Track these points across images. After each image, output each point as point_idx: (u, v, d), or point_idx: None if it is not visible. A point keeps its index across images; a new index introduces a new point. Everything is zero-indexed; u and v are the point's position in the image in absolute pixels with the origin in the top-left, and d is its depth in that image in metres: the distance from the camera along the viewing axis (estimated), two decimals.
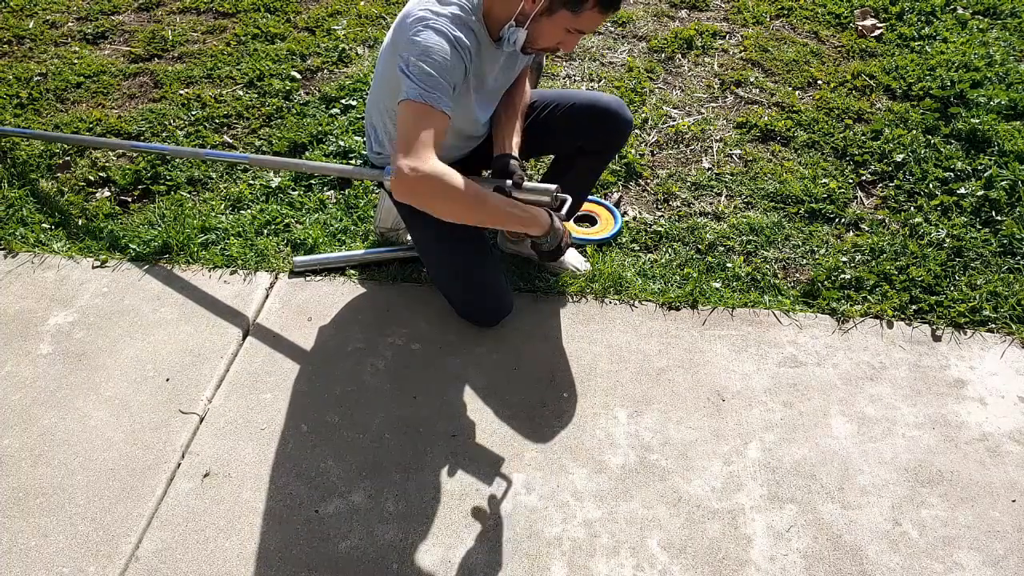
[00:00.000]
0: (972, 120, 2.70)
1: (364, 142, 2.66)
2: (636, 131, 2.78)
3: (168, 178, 2.56)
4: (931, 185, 2.51)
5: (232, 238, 2.33)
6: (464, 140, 1.94)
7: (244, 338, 2.06)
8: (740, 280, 2.22)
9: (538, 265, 2.25)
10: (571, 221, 2.36)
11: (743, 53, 3.19)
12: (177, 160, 2.62)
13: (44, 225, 2.40)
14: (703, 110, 2.90)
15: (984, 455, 1.80)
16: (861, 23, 3.32)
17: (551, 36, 1.64)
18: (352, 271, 2.24)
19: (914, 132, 2.72)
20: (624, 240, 2.35)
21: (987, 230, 2.36)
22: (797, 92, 2.97)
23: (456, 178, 1.55)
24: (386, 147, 1.94)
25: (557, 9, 1.58)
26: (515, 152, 1.85)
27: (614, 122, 1.97)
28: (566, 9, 1.57)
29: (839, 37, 3.28)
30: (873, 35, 3.26)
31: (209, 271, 2.24)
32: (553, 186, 1.79)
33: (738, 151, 2.70)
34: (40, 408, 1.88)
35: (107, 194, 2.53)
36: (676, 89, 3.02)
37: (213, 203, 2.47)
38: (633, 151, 2.67)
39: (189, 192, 2.52)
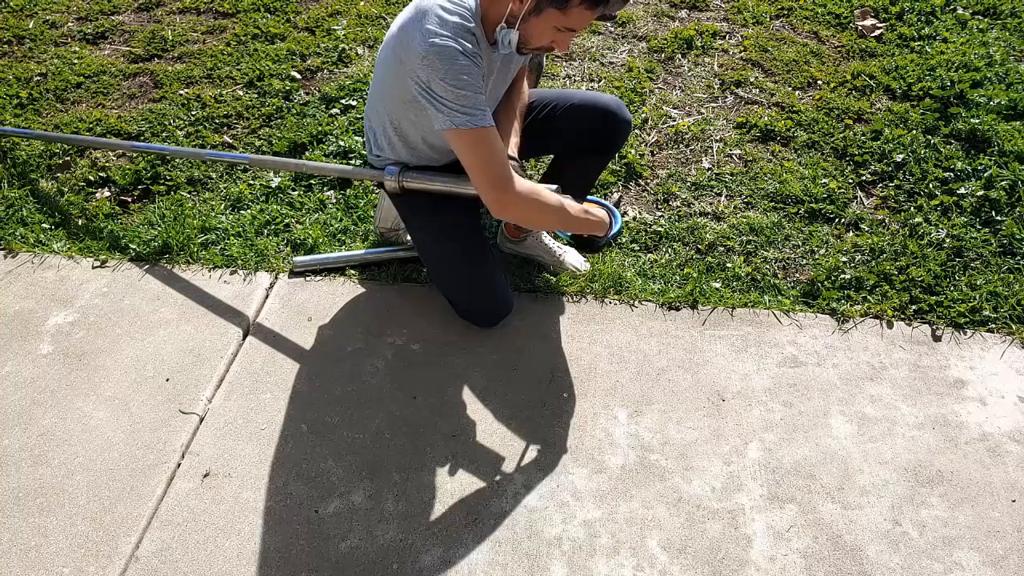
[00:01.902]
0: (972, 120, 2.70)
1: (364, 143, 2.66)
2: (636, 131, 2.77)
3: (168, 178, 2.56)
4: (931, 185, 2.51)
5: (232, 238, 2.33)
6: None
7: (244, 338, 2.06)
8: (740, 280, 2.22)
9: (538, 265, 2.25)
10: None
11: (743, 53, 3.19)
12: (177, 160, 2.62)
13: (44, 225, 2.40)
14: (703, 110, 2.90)
15: (984, 455, 1.80)
16: (861, 23, 3.32)
17: (542, 35, 1.63)
18: (352, 271, 2.24)
19: (914, 132, 2.72)
20: (624, 240, 2.35)
21: (987, 230, 2.36)
22: (797, 92, 2.97)
23: (539, 198, 1.72)
24: (385, 150, 1.94)
25: (544, 8, 1.57)
26: (514, 153, 1.85)
27: (613, 122, 1.97)
28: (553, 7, 1.56)
29: (839, 37, 3.28)
30: (873, 35, 3.26)
31: (209, 271, 2.24)
32: (553, 187, 1.79)
33: (738, 151, 2.70)
34: (40, 408, 1.88)
35: (107, 194, 2.53)
36: (676, 89, 3.02)
37: (213, 203, 2.47)
38: (633, 151, 2.67)
39: (189, 192, 2.52)
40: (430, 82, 1.59)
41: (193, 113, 2.83)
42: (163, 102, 2.91)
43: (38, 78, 3.03)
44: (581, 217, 1.85)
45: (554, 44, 1.66)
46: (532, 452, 1.80)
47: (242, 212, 2.44)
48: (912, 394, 1.93)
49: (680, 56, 3.18)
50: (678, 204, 2.49)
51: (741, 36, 3.30)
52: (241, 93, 2.95)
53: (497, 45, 1.68)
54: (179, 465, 1.77)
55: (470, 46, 1.61)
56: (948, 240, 2.32)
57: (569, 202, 1.82)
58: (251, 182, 2.54)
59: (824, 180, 2.55)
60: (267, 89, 2.95)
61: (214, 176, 2.58)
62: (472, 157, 1.64)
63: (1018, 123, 2.72)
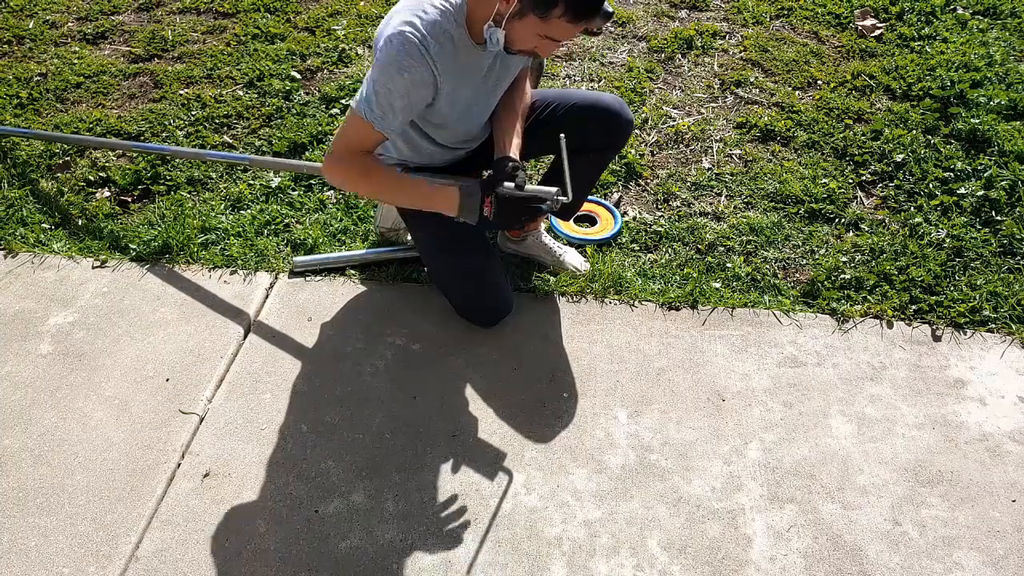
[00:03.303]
0: (972, 120, 2.70)
1: None
2: (636, 131, 2.77)
3: (168, 178, 2.56)
4: (931, 185, 2.51)
5: (232, 238, 2.33)
6: (457, 143, 1.94)
7: (244, 338, 2.06)
8: (740, 280, 2.22)
9: (538, 265, 2.25)
10: (571, 221, 2.36)
11: (743, 53, 3.19)
12: (177, 160, 2.62)
13: (44, 225, 2.40)
14: (703, 110, 2.90)
15: (984, 455, 1.80)
16: (861, 23, 3.32)
17: (525, 40, 1.61)
18: (352, 271, 2.24)
19: (914, 132, 2.72)
20: (624, 240, 2.35)
21: (987, 230, 2.36)
22: (797, 92, 2.97)
23: (364, 177, 1.76)
24: (388, 148, 1.94)
25: (527, 12, 1.55)
26: (515, 153, 1.84)
27: (615, 122, 1.96)
28: (534, 14, 1.54)
29: (839, 37, 3.28)
30: (873, 35, 3.26)
31: (209, 271, 2.24)
32: (554, 189, 1.78)
33: (738, 151, 2.70)
34: (40, 408, 1.88)
35: (107, 194, 2.53)
36: (676, 89, 3.02)
37: (213, 203, 2.47)
38: (633, 151, 2.67)
39: (189, 192, 2.52)
40: (376, 63, 1.62)
41: (193, 113, 2.83)
42: (163, 102, 2.91)
43: (38, 78, 3.03)
44: (409, 198, 1.83)
45: (537, 50, 1.64)
46: (532, 452, 1.80)
47: (242, 212, 2.44)
48: (912, 394, 1.93)
49: (680, 56, 3.18)
50: (678, 204, 2.49)
51: (741, 36, 3.30)
52: (241, 93, 2.95)
53: (486, 43, 1.67)
54: (179, 465, 1.77)
55: (438, 47, 1.60)
56: (948, 240, 2.32)
57: (405, 185, 1.82)
58: (251, 182, 2.54)
59: (824, 180, 2.55)
60: (267, 89, 2.95)
61: (214, 176, 2.58)
62: (342, 128, 1.71)
63: (1018, 123, 2.72)
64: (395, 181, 1.82)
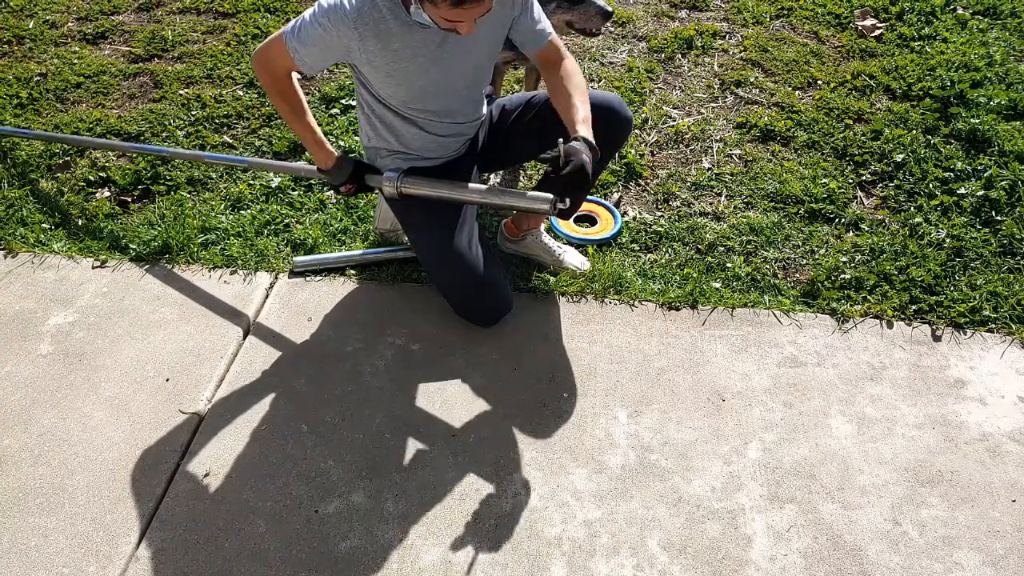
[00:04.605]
0: (972, 120, 2.70)
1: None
2: (636, 131, 2.77)
3: (168, 178, 2.56)
4: (931, 185, 2.51)
5: (232, 238, 2.33)
6: (431, 124, 1.91)
7: (244, 338, 2.06)
8: (740, 280, 2.22)
9: (538, 265, 2.25)
10: (571, 221, 2.36)
11: (743, 53, 3.19)
12: (177, 160, 2.62)
13: (44, 225, 2.40)
14: (703, 110, 2.90)
15: (984, 455, 1.80)
16: (861, 23, 3.32)
17: (437, 19, 1.61)
18: (352, 271, 2.24)
19: (914, 132, 2.72)
20: (624, 240, 2.35)
21: (987, 230, 2.36)
22: (797, 92, 2.97)
23: (278, 95, 1.88)
24: (371, 139, 1.98)
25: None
26: (584, 129, 1.75)
27: (614, 120, 1.95)
28: (428, 1, 1.55)
29: (839, 37, 3.28)
30: (873, 35, 3.26)
31: (209, 271, 2.24)
32: (549, 196, 1.73)
33: (738, 151, 2.70)
34: (40, 408, 1.88)
35: (107, 194, 2.53)
36: (676, 89, 3.02)
37: (213, 203, 2.47)
38: (633, 151, 2.67)
39: (189, 192, 2.52)
40: (316, 4, 1.72)
41: (193, 113, 2.83)
42: (163, 102, 2.91)
43: (38, 78, 3.03)
44: (299, 130, 1.93)
45: (454, 28, 1.63)
46: (532, 452, 1.80)
47: (242, 212, 2.44)
48: (912, 394, 1.93)
49: (680, 56, 3.18)
50: (678, 204, 2.49)
51: (741, 36, 3.30)
52: (241, 93, 2.95)
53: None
54: (179, 465, 1.77)
55: (357, 19, 1.66)
56: (948, 240, 2.32)
57: (304, 119, 1.91)
58: (251, 182, 2.54)
59: (824, 180, 2.55)
60: None
61: (214, 176, 2.58)
62: (274, 34, 1.81)
63: (1018, 123, 2.72)
64: (297, 113, 1.90)
